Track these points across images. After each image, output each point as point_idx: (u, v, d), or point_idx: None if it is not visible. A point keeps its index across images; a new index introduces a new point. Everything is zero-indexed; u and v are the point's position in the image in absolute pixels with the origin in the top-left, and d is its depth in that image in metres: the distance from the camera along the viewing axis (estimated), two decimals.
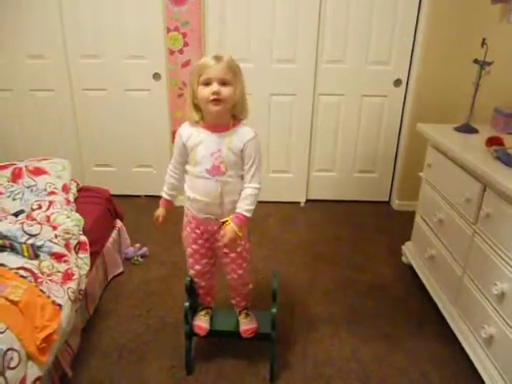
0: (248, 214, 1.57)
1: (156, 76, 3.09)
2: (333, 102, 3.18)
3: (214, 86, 1.44)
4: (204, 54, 2.94)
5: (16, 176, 2.21)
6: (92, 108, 3.23)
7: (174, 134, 3.12)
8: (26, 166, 2.26)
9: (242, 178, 1.60)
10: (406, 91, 3.13)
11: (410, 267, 2.51)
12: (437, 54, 2.92)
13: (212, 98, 1.45)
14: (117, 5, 2.93)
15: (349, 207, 3.39)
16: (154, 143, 3.29)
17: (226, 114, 1.53)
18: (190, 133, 1.57)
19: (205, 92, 1.46)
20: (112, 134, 3.30)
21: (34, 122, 3.29)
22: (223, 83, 1.46)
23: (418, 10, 2.93)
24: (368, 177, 3.41)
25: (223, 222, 1.59)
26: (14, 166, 2.26)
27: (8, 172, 2.23)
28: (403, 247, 2.64)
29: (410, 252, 2.54)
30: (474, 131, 2.21)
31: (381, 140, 3.29)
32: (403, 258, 2.64)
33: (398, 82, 3.10)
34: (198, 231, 1.70)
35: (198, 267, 1.78)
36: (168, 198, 1.74)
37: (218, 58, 1.46)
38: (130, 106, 3.21)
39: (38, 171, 2.25)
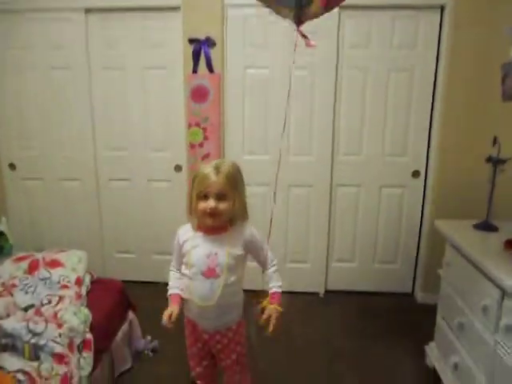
0: (281, 290, 1.63)
1: (177, 168, 3.22)
2: (351, 192, 3.18)
3: (211, 202, 1.49)
4: (223, 147, 3.06)
5: (32, 268, 2.25)
6: (116, 197, 3.36)
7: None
8: (43, 258, 2.31)
9: (240, 280, 1.60)
10: (426, 183, 3.11)
11: (436, 371, 2.32)
12: (453, 147, 2.93)
13: (208, 211, 1.49)
14: (143, 102, 3.17)
15: (370, 299, 3.25)
16: (174, 231, 3.31)
17: (222, 222, 1.55)
18: (188, 236, 1.62)
19: (202, 206, 1.50)
20: (133, 222, 3.39)
21: (60, 210, 3.43)
22: (220, 198, 1.49)
23: (432, 105, 2.99)
24: (389, 268, 3.29)
25: (263, 309, 1.58)
26: (32, 258, 2.31)
27: (25, 263, 2.28)
28: (427, 348, 2.46)
29: (433, 355, 2.37)
30: (494, 229, 2.13)
31: (402, 230, 3.22)
32: (427, 361, 2.46)
33: (416, 174, 3.09)
34: (196, 334, 1.67)
35: (198, 369, 1.74)
36: (179, 292, 1.63)
37: (217, 170, 1.49)
38: (151, 196, 3.32)
39: (54, 263, 2.28)
